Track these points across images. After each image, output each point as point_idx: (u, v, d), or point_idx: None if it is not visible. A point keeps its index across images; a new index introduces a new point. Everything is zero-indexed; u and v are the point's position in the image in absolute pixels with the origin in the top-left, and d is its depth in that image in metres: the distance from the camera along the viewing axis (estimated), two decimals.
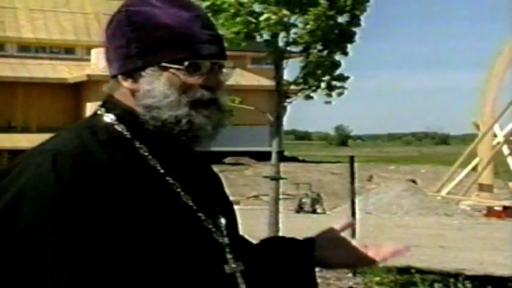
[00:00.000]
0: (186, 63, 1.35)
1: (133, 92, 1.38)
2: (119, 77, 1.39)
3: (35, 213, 1.24)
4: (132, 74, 1.37)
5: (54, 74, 33.60)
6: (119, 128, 1.37)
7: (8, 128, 32.19)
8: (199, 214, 1.37)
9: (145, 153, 1.35)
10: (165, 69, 1.35)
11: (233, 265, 1.40)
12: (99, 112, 1.41)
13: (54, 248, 1.22)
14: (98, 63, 32.98)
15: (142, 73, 1.36)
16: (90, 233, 1.25)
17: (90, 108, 32.26)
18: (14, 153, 30.85)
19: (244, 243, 1.56)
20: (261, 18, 8.16)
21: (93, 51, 33.45)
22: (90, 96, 32.45)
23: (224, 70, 1.40)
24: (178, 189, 1.36)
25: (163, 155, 1.37)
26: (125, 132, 1.36)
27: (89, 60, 33.62)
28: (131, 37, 1.37)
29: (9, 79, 32.36)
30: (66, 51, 34.91)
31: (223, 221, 1.42)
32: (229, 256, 1.40)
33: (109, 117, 1.38)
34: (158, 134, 1.36)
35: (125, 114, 1.38)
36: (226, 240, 1.41)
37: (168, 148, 1.38)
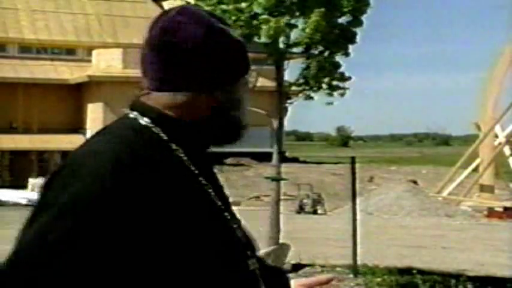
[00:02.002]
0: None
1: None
2: None
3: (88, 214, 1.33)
4: None
5: (55, 74, 33.61)
6: (155, 130, 1.44)
7: (9, 129, 32.22)
8: (225, 214, 1.48)
9: (181, 155, 1.44)
10: None
11: (253, 261, 1.49)
12: (131, 115, 1.46)
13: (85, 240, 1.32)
14: (98, 64, 33.01)
15: None
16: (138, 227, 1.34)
17: (91, 109, 32.31)
18: (15, 153, 31.02)
19: None
20: (262, 30, 8.20)
21: (94, 52, 33.47)
22: (91, 97, 32.46)
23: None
24: (210, 190, 1.46)
25: (195, 157, 1.46)
26: (161, 134, 1.44)
27: (90, 61, 33.64)
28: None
29: (10, 80, 32.37)
30: (67, 52, 34.93)
31: (238, 221, 1.52)
32: (249, 253, 1.50)
33: (144, 120, 1.45)
34: (191, 137, 1.46)
35: (160, 118, 1.45)
36: (244, 239, 1.51)
37: (198, 151, 1.49)
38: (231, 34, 1.49)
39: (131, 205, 1.34)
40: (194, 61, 1.43)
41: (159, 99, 1.45)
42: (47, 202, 1.34)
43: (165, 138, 1.43)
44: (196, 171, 1.45)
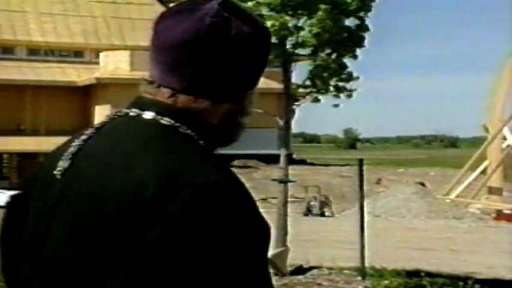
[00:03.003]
0: None
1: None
2: None
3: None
4: None
5: (63, 77, 33.74)
6: (196, 137, 1.27)
7: (17, 131, 32.33)
8: None
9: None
10: None
11: None
12: (164, 122, 1.26)
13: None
14: (106, 66, 33.09)
15: None
16: None
17: (98, 111, 32.39)
18: (23, 155, 31.13)
19: None
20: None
21: (102, 55, 33.57)
22: (98, 99, 32.56)
23: None
24: None
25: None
26: (201, 142, 1.27)
27: (97, 63, 33.74)
28: None
29: (18, 82, 32.51)
30: (75, 54, 35.07)
31: None
32: None
33: (183, 128, 1.27)
34: (218, 143, 1.33)
35: (199, 125, 1.28)
36: None
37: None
38: (269, 31, 1.36)
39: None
40: (241, 64, 1.28)
41: (190, 103, 1.27)
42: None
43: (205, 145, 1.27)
44: None
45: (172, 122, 1.26)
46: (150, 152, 1.22)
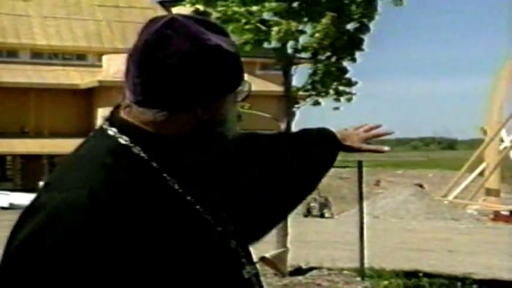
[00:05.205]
0: None
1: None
2: None
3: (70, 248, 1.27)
4: None
5: (67, 80, 33.79)
6: (136, 150, 1.35)
7: (21, 133, 32.38)
8: (219, 228, 1.41)
9: (164, 174, 1.35)
10: None
11: (248, 269, 1.44)
12: (110, 132, 1.39)
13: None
14: (109, 69, 33.19)
15: None
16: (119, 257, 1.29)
17: (101, 113, 32.46)
18: (27, 157, 31.07)
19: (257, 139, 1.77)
20: (272, 32, 8.28)
21: (105, 58, 33.63)
22: (101, 101, 32.64)
23: None
24: (198, 207, 1.38)
25: (179, 173, 1.37)
26: (142, 154, 1.35)
27: (100, 66, 33.81)
28: None
29: (22, 85, 32.55)
30: (78, 57, 35.12)
31: (232, 228, 1.45)
32: (243, 260, 1.44)
33: (123, 139, 1.37)
34: (173, 153, 1.38)
35: (140, 135, 1.36)
36: (239, 248, 1.45)
37: (183, 165, 1.39)
38: (223, 48, 1.35)
39: (113, 246, 1.26)
40: (177, 79, 1.32)
41: (139, 115, 1.36)
42: (22, 249, 1.29)
43: (146, 158, 1.34)
44: (181, 190, 1.36)
45: (114, 130, 1.38)
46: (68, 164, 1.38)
